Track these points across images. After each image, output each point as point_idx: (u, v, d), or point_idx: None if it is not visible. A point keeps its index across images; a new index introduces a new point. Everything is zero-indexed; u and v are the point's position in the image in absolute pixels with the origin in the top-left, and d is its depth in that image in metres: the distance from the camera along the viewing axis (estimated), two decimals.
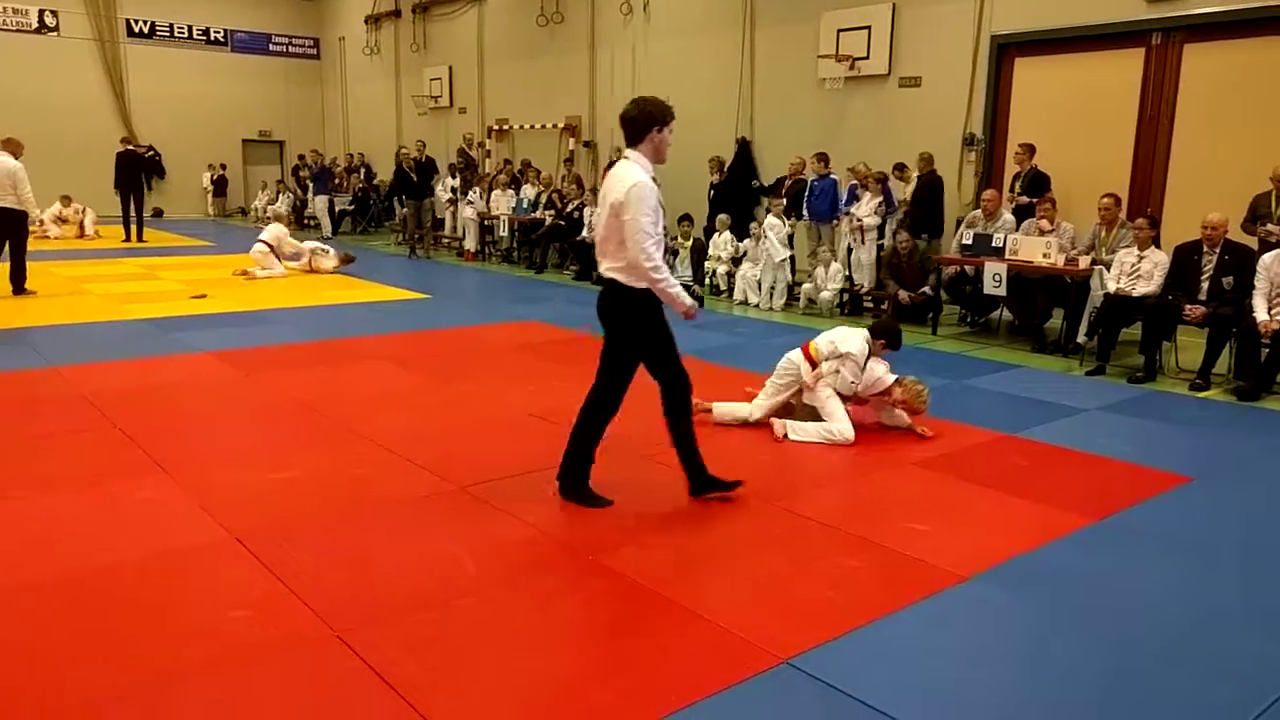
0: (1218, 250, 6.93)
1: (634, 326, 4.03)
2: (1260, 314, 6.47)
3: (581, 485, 4.21)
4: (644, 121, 3.91)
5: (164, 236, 17.37)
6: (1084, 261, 7.83)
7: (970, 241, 8.65)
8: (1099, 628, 3.17)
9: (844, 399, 5.34)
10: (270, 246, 12.21)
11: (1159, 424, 5.89)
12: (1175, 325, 7.05)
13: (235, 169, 23.61)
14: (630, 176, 3.83)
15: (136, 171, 16.76)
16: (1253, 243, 7.50)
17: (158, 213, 21.28)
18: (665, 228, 4.36)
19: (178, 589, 3.33)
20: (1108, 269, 7.60)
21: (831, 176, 10.70)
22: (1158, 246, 7.43)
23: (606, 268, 3.99)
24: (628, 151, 3.97)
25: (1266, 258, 6.62)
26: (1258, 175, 7.96)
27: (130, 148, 17.00)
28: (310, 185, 18.92)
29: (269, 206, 21.18)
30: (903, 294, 9.00)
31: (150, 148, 21.79)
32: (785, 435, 5.27)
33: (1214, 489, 4.61)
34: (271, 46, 23.79)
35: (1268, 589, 3.51)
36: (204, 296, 10.12)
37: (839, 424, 5.23)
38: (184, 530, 3.83)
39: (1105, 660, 2.95)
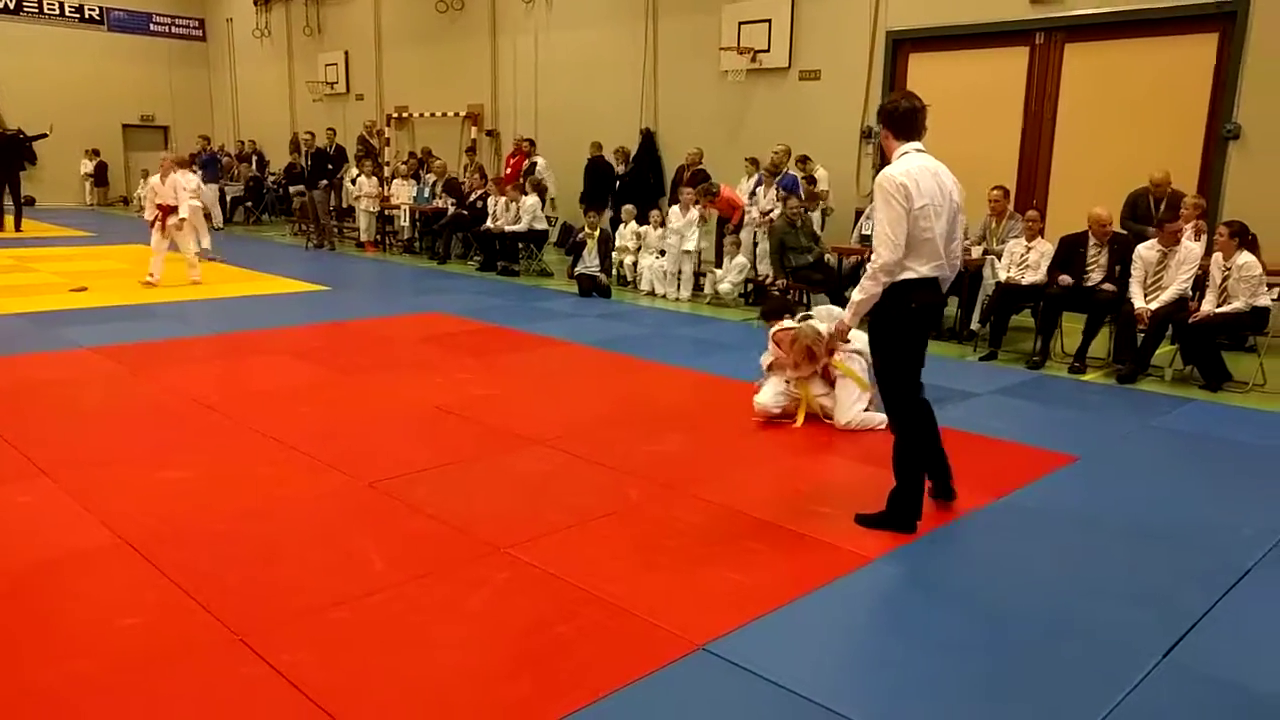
0: (1108, 242, 7.25)
1: None
2: (1138, 301, 6.85)
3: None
4: (921, 114, 3.83)
5: (39, 226, 16.40)
6: (976, 252, 8.13)
7: (869, 232, 8.87)
8: (994, 603, 3.31)
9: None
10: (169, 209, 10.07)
11: (1048, 407, 6.17)
12: (1061, 312, 7.39)
13: (116, 155, 22.42)
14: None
15: (15, 156, 15.74)
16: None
17: (29, 201, 20.01)
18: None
19: (62, 599, 3.15)
20: (999, 259, 7.91)
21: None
22: (1043, 237, 7.77)
23: (941, 266, 3.82)
24: (919, 145, 3.83)
25: (1141, 248, 7.00)
26: (1133, 169, 8.41)
27: (4, 132, 15.95)
28: (198, 173, 18.10)
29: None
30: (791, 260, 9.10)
31: (20, 131, 20.48)
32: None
33: (1098, 467, 4.86)
34: (153, 26, 22.67)
35: (1146, 561, 3.72)
36: (84, 289, 9.59)
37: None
38: (68, 536, 3.62)
39: (1000, 633, 3.08)
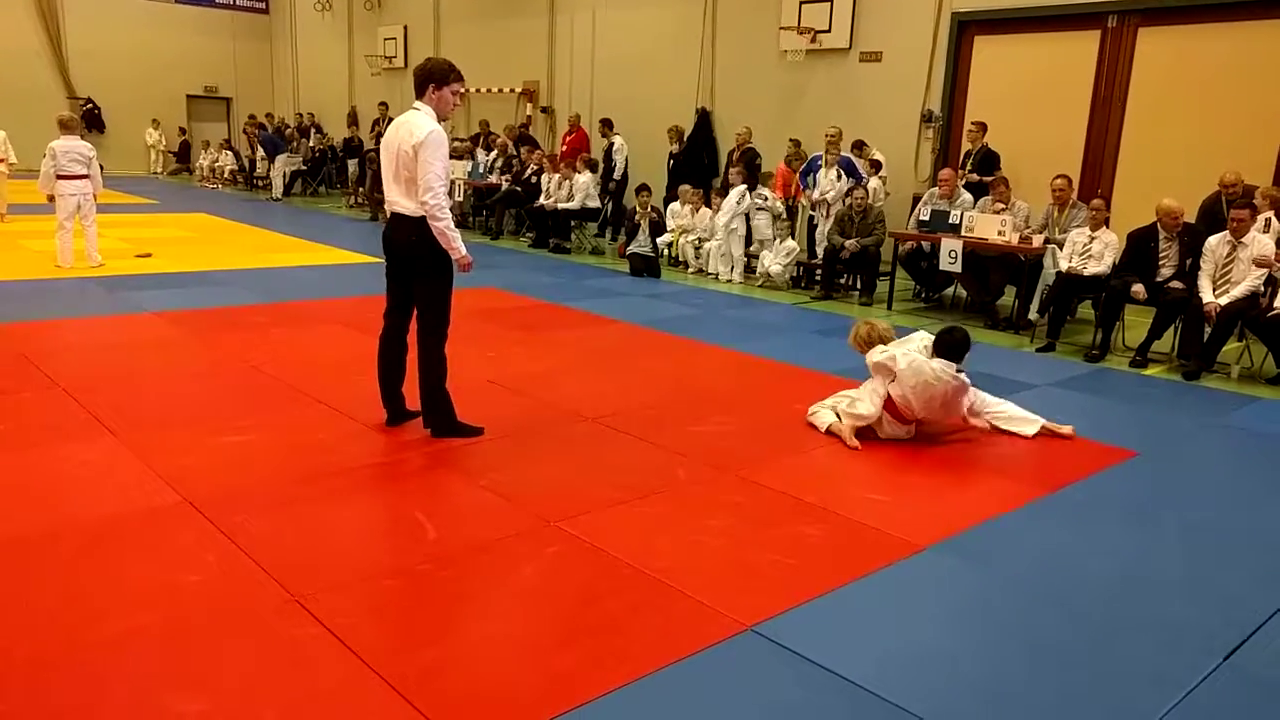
0: (1178, 235, 7.02)
1: (433, 254, 4.29)
2: (1206, 295, 6.64)
3: (453, 421, 4.54)
4: (422, 77, 4.31)
5: (106, 194, 16.75)
6: (1037, 240, 7.95)
7: (927, 218, 8.74)
8: (1049, 596, 3.25)
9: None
10: None
11: (1107, 400, 6.03)
12: (1124, 304, 7.20)
13: (180, 125, 22.90)
14: (426, 124, 4.19)
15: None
16: None
17: None
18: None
19: (127, 554, 3.24)
20: (1060, 248, 7.73)
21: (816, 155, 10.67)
22: (1107, 227, 7.57)
23: (399, 204, 4.27)
24: (417, 103, 4.32)
25: (1212, 240, 6.77)
26: (1207, 159, 8.15)
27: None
28: (261, 146, 18.39)
29: (214, 165, 20.63)
30: (850, 242, 8.97)
31: (88, 100, 21.03)
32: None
33: (1158, 463, 4.74)
34: None
35: (1206, 560, 3.63)
36: (149, 255, 9.83)
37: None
38: (134, 494, 3.73)
39: (1054, 627, 3.03)
